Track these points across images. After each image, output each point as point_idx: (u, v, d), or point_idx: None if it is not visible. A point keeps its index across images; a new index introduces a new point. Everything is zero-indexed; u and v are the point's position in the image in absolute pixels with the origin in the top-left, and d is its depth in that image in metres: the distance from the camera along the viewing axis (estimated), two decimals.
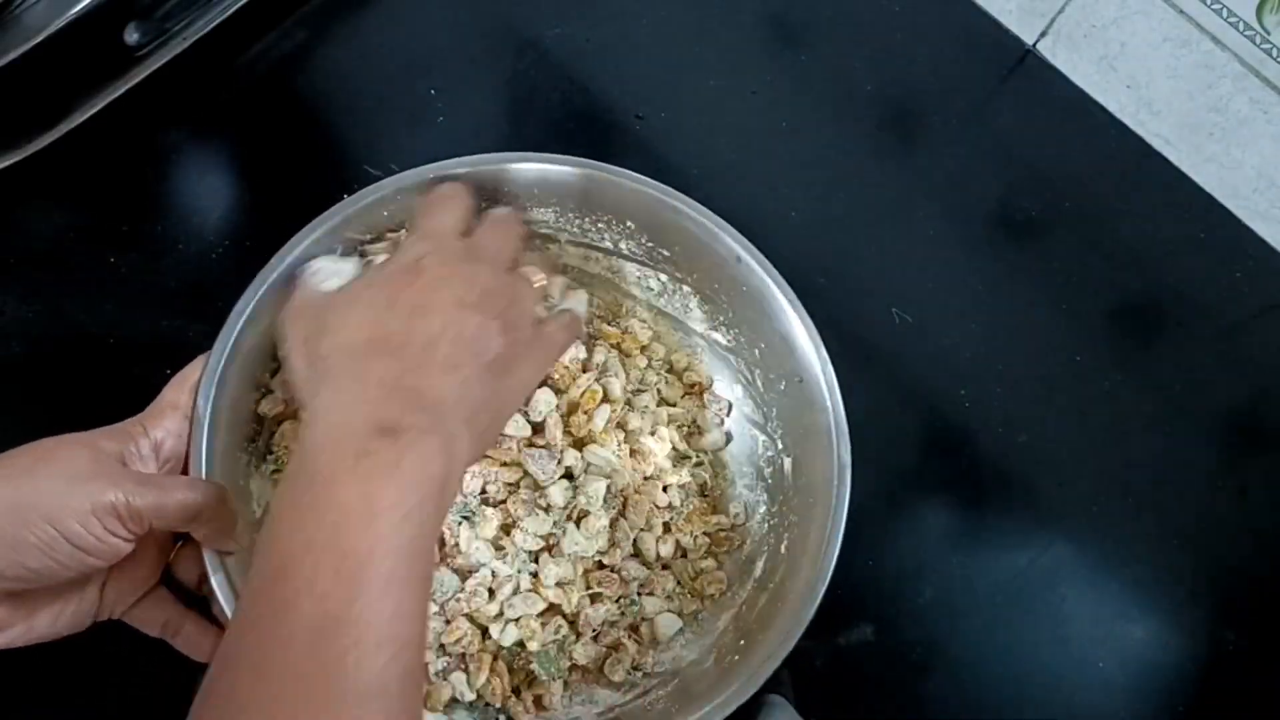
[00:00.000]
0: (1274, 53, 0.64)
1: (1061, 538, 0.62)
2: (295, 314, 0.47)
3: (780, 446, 0.57)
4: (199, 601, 0.50)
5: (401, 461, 0.39)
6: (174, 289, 0.60)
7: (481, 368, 0.44)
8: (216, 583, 0.47)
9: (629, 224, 0.57)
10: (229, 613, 0.47)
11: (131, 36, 0.61)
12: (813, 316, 0.55)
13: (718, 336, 0.59)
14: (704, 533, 0.57)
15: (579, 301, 0.54)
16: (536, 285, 0.50)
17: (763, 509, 0.57)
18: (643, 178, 0.55)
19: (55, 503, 0.42)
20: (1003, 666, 0.59)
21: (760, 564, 0.55)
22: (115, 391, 0.51)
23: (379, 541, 0.37)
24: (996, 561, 0.62)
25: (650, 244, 0.58)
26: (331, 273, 0.50)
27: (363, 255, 0.53)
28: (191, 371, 0.50)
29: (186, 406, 0.49)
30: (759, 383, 0.58)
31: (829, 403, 0.53)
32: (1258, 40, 0.65)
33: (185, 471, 0.49)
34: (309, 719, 0.35)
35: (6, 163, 0.59)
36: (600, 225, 0.57)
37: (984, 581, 0.61)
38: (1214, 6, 0.65)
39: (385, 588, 0.37)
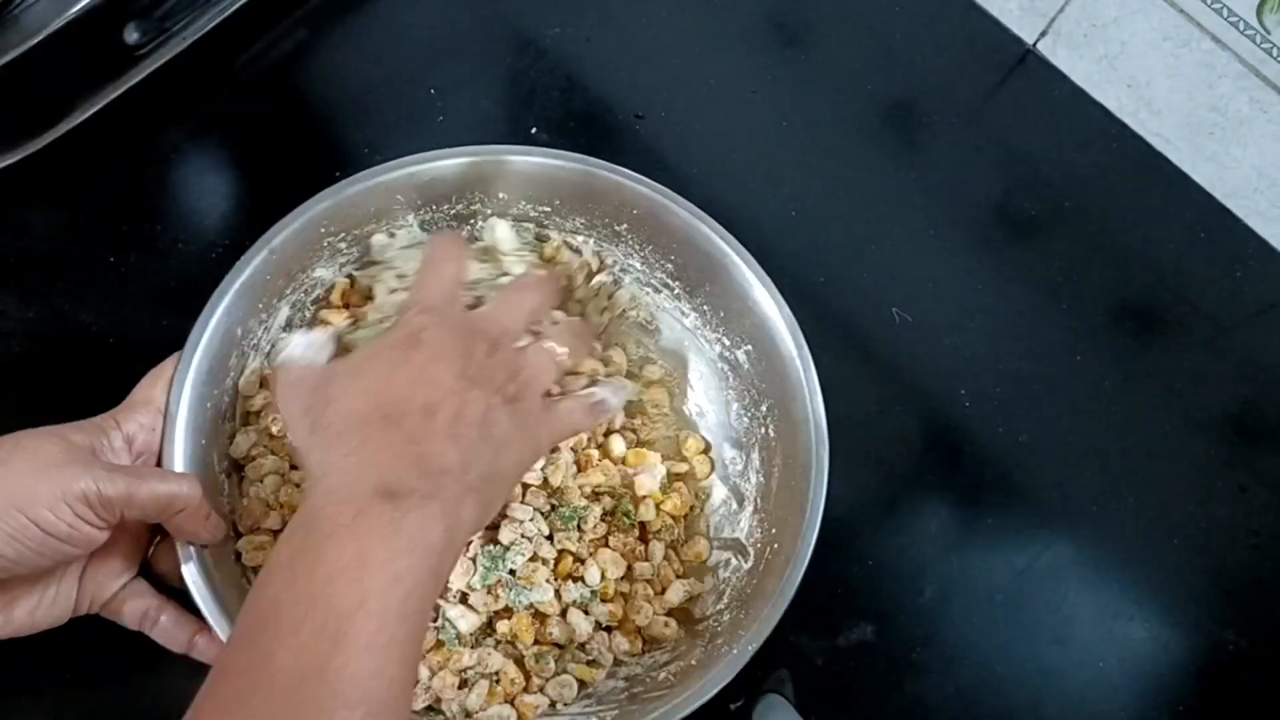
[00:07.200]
0: (1274, 52, 0.64)
1: (1061, 538, 0.62)
2: (293, 387, 0.46)
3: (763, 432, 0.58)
4: (177, 594, 0.50)
5: (401, 524, 0.39)
6: (174, 289, 0.60)
7: (483, 440, 0.44)
8: (187, 572, 0.48)
9: (623, 225, 0.58)
10: (202, 607, 0.47)
11: (131, 36, 0.61)
12: (812, 315, 0.56)
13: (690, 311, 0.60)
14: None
15: (615, 391, 0.53)
16: (558, 358, 0.49)
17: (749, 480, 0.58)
18: (625, 170, 0.56)
19: (25, 490, 0.42)
20: (1003, 666, 0.59)
21: (750, 548, 0.56)
22: (116, 391, 0.51)
23: (367, 599, 0.37)
24: (996, 561, 0.62)
25: (643, 244, 0.59)
26: (312, 344, 0.50)
27: (325, 323, 0.55)
28: (165, 367, 0.51)
29: (160, 401, 0.50)
30: (726, 341, 0.59)
31: (805, 389, 0.54)
32: (1258, 39, 0.65)
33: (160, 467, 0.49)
34: None
35: (6, 163, 0.59)
36: (592, 220, 0.58)
37: (984, 581, 0.61)
38: (1214, 6, 0.65)
39: (367, 647, 0.37)
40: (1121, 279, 0.69)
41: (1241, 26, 0.65)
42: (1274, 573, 0.63)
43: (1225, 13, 0.65)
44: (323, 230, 0.55)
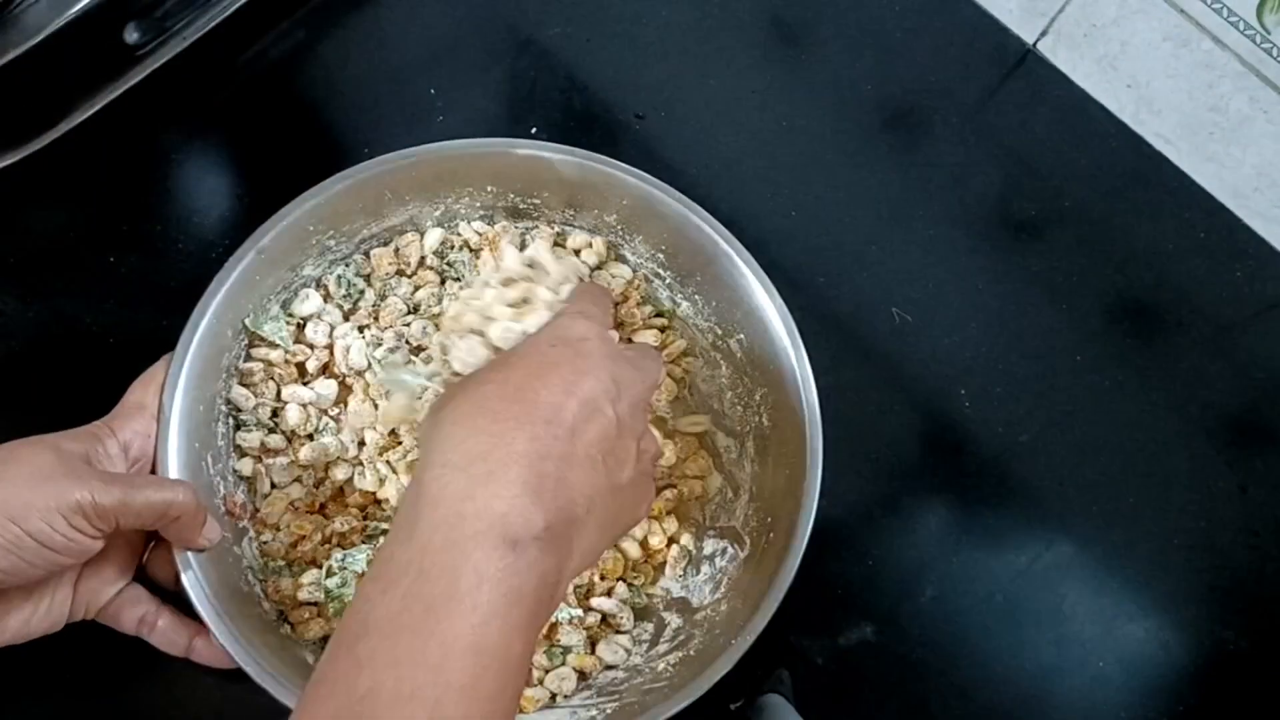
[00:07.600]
0: (1274, 52, 0.64)
1: (1062, 537, 0.63)
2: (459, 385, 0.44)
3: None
4: (173, 597, 0.50)
5: (526, 577, 0.37)
6: (174, 289, 0.60)
7: (610, 481, 0.41)
8: (188, 581, 0.48)
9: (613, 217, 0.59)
10: (201, 611, 0.47)
11: (131, 36, 0.61)
12: (812, 316, 0.56)
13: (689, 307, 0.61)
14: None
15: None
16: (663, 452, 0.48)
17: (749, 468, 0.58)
18: (614, 161, 0.57)
19: (19, 502, 0.42)
20: (1003, 666, 0.59)
21: (746, 536, 0.56)
22: (116, 391, 0.51)
23: (483, 675, 0.36)
24: (996, 561, 0.62)
25: (633, 235, 0.59)
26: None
27: None
28: (157, 371, 0.51)
29: (153, 406, 0.50)
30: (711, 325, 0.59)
31: (798, 378, 0.54)
32: (1258, 40, 0.65)
33: (154, 472, 0.49)
34: None
35: (6, 163, 0.59)
36: (581, 210, 0.59)
37: (984, 581, 0.61)
38: (1214, 6, 0.65)
39: (469, 685, 0.35)
40: (1121, 279, 0.69)
41: (1241, 26, 0.65)
42: (1274, 573, 0.63)
43: (1225, 13, 0.65)
44: (311, 228, 0.55)
